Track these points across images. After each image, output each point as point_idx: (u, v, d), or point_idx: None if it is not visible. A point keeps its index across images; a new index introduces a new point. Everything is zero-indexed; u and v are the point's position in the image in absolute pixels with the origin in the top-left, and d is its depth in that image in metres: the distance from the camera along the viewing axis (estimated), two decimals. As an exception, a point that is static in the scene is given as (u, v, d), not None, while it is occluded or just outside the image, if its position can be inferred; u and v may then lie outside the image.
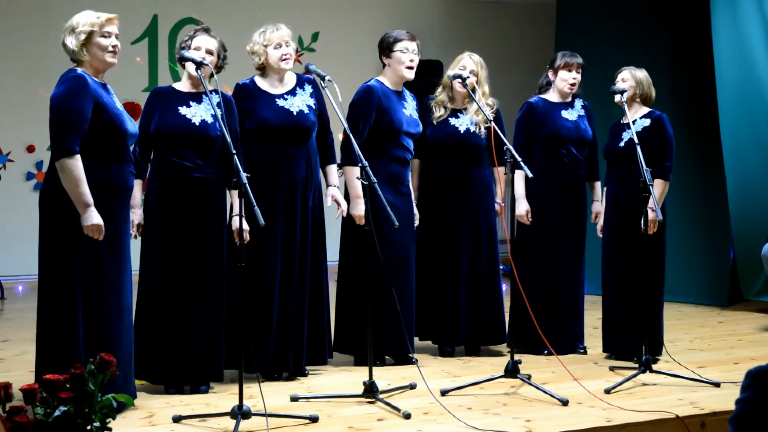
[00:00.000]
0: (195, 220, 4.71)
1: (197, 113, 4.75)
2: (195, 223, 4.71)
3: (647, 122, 5.51)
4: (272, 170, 4.97)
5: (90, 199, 4.12)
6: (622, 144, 5.47)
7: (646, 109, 5.57)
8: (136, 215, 4.73)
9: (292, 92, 5.08)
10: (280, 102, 5.03)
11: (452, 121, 5.62)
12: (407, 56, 5.37)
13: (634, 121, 5.50)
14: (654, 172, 5.35)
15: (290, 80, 5.12)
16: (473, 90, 5.37)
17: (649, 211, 5.19)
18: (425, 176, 5.70)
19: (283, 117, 4.99)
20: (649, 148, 5.38)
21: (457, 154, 5.61)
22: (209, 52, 4.74)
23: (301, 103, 5.06)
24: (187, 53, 4.68)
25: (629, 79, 5.53)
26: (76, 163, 4.11)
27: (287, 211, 4.99)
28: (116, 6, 8.66)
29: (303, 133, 5.05)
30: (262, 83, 5.06)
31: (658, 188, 5.34)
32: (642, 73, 5.56)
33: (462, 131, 5.59)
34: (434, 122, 5.62)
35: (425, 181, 5.69)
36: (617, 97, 5.41)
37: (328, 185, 5.18)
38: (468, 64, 5.59)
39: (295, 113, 5.02)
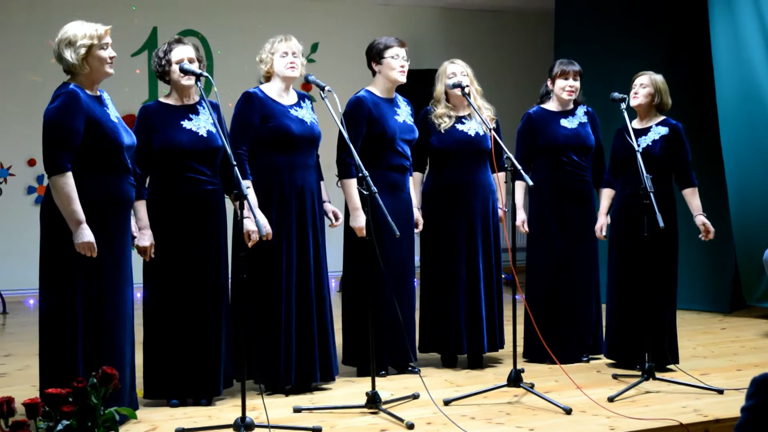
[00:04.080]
0: (208, 231, 4.72)
1: (200, 125, 4.75)
2: (209, 235, 4.71)
3: (665, 130, 5.49)
4: (288, 178, 4.97)
5: (82, 216, 4.11)
6: (639, 151, 5.42)
7: (660, 117, 5.56)
8: (147, 237, 4.61)
9: (299, 105, 5.09)
10: (293, 112, 5.04)
11: (460, 126, 5.60)
12: (398, 62, 5.37)
13: (648, 129, 5.50)
14: (682, 181, 5.54)
15: (293, 94, 5.13)
16: (469, 94, 5.38)
17: (701, 217, 5.46)
18: (433, 184, 5.66)
19: (301, 126, 5.01)
20: (668, 156, 5.42)
21: (469, 158, 5.58)
22: (191, 60, 4.73)
23: (308, 115, 5.08)
24: (187, 66, 4.67)
25: (649, 85, 5.48)
26: (67, 181, 4.11)
27: (300, 220, 4.99)
28: (116, 18, 8.69)
29: (316, 142, 5.09)
30: (270, 92, 5.05)
31: (695, 196, 5.52)
32: (660, 79, 5.51)
33: (472, 135, 5.59)
34: (441, 131, 5.60)
35: (433, 189, 5.65)
36: (632, 102, 5.41)
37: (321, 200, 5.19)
38: (455, 69, 5.59)
39: (308, 123, 5.05)
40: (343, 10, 10.03)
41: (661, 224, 4.83)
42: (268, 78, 5.09)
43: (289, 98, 5.09)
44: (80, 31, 4.24)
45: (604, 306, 5.77)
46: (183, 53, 4.72)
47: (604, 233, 5.70)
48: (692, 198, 5.54)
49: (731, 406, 4.53)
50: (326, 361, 5.08)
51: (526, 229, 5.69)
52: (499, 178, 5.67)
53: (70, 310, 4.18)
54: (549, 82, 5.79)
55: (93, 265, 4.19)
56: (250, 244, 4.68)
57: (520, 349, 5.46)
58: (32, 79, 8.64)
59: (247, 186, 4.62)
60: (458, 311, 5.53)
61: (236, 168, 4.16)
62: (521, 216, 5.65)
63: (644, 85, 5.49)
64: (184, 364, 4.68)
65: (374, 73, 5.48)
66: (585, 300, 5.76)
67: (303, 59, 5.08)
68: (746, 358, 5.83)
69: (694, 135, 7.59)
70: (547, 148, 5.69)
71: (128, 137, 4.35)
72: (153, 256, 4.63)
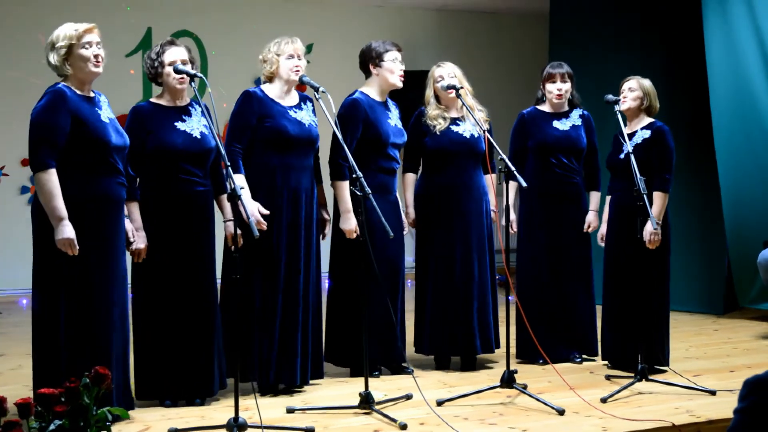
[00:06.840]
0: (198, 232, 4.71)
1: (194, 126, 4.75)
2: (199, 236, 4.71)
3: (647, 133, 5.47)
4: (282, 179, 4.97)
5: (63, 213, 4.12)
6: (622, 156, 5.44)
7: (648, 120, 5.55)
8: (142, 238, 4.57)
9: (299, 107, 5.09)
10: (292, 113, 5.04)
11: (455, 128, 5.60)
12: (398, 66, 5.40)
13: (634, 133, 5.50)
14: (653, 184, 5.33)
15: (294, 95, 5.13)
16: (459, 96, 5.40)
17: (647, 224, 5.13)
18: (427, 186, 5.64)
19: (298, 127, 5.01)
20: (649, 160, 5.37)
21: (464, 160, 5.58)
22: (184, 62, 4.72)
23: (308, 117, 5.09)
24: (181, 67, 4.66)
25: (637, 89, 5.49)
26: (50, 178, 4.13)
27: (292, 221, 4.99)
28: (110, 18, 8.67)
29: (313, 145, 5.08)
30: (271, 93, 5.05)
31: (657, 200, 5.32)
32: (648, 83, 5.52)
33: (467, 137, 5.59)
34: (437, 133, 5.59)
35: (428, 190, 5.63)
36: (621, 106, 5.41)
37: (318, 204, 5.19)
38: (442, 72, 5.59)
39: (307, 125, 5.05)
40: (338, 11, 10.03)
41: (654, 226, 4.84)
42: (269, 78, 5.09)
43: (290, 99, 5.09)
44: (60, 32, 4.28)
45: (600, 307, 5.77)
46: (176, 55, 4.72)
47: (601, 233, 5.71)
48: (655, 202, 5.31)
49: (724, 408, 4.54)
50: (318, 361, 5.12)
51: (515, 228, 5.70)
52: (492, 180, 5.68)
53: (57, 310, 4.18)
54: (541, 86, 5.82)
55: (80, 265, 4.19)
56: (231, 246, 4.65)
57: (513, 350, 5.46)
58: (26, 79, 8.61)
59: (241, 187, 4.63)
60: (452, 313, 5.53)
61: (230, 168, 4.17)
62: (511, 216, 5.65)
63: (632, 89, 5.51)
64: (176, 364, 4.67)
65: (367, 75, 5.48)
66: (575, 300, 5.76)
67: (304, 61, 5.09)
68: (739, 360, 5.85)
69: (688, 137, 7.64)
70: (536, 148, 5.72)
71: (118, 137, 4.35)
72: (143, 258, 4.60)
